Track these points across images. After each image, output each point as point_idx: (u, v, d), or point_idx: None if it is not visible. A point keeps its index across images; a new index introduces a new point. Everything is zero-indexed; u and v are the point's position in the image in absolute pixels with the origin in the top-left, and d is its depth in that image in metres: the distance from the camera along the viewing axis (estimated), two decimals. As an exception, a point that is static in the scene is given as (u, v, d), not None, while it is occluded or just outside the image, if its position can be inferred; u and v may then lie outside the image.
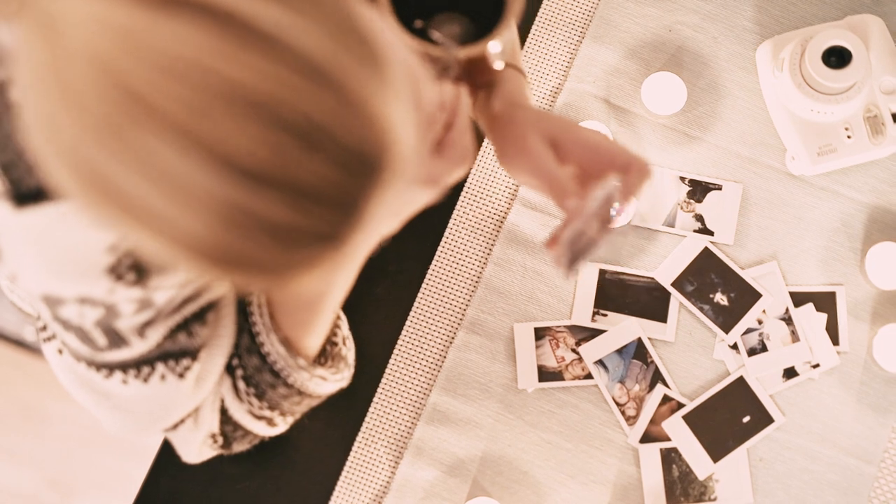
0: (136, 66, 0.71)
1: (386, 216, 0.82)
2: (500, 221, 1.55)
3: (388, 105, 0.76)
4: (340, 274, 1.16)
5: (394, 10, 1.06)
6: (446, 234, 1.54)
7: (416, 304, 1.53)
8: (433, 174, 1.04)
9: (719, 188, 1.55)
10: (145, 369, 1.10)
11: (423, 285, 1.53)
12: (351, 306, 1.37)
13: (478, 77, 1.14)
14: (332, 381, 1.24)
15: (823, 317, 1.51)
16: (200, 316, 1.11)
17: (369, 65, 0.75)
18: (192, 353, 1.12)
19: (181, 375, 1.12)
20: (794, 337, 1.50)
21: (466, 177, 1.56)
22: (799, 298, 1.52)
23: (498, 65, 1.11)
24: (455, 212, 1.55)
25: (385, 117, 0.76)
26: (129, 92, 0.71)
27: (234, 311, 1.17)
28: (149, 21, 0.71)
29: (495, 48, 1.08)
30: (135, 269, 1.01)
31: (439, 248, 1.54)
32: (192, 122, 0.71)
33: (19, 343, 2.41)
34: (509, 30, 1.09)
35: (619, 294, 1.52)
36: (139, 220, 0.75)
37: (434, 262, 1.54)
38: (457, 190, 1.56)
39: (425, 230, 1.55)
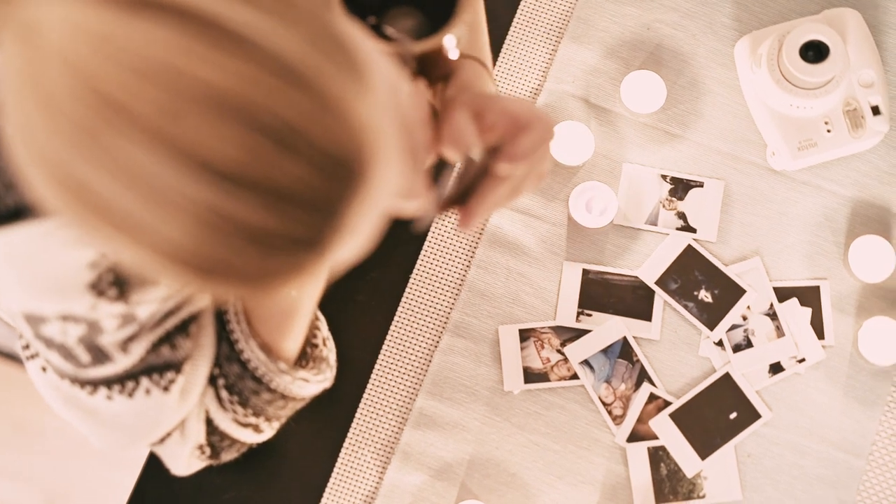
0: (109, 69, 0.71)
1: (368, 221, 0.81)
2: (483, 223, 1.55)
3: (367, 108, 0.76)
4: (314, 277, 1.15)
5: (346, 6, 1.06)
6: (429, 237, 1.54)
7: (399, 308, 1.53)
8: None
9: (701, 185, 1.55)
10: (130, 384, 1.10)
11: (407, 290, 1.53)
12: (334, 312, 1.37)
13: (434, 71, 1.14)
14: (314, 382, 1.24)
15: (808, 311, 1.51)
16: (183, 328, 1.11)
17: (347, 69, 0.75)
18: (177, 366, 1.11)
19: (166, 389, 1.12)
20: (780, 332, 1.50)
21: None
22: (783, 293, 1.52)
23: (453, 53, 1.10)
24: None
25: (364, 121, 0.75)
26: (103, 95, 0.71)
27: (212, 320, 1.17)
28: (122, 24, 0.71)
29: (451, 41, 1.07)
30: (116, 285, 1.01)
31: (422, 252, 1.54)
32: (166, 124, 0.71)
33: (11, 357, 2.41)
34: (465, 22, 1.08)
35: (603, 294, 1.52)
36: (115, 226, 0.74)
37: (417, 266, 1.54)
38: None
39: (407, 234, 1.54)
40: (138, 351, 1.07)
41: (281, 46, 0.72)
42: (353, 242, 0.80)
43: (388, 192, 0.80)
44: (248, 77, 0.71)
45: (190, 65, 0.71)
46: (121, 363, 1.07)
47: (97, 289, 1.00)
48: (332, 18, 0.76)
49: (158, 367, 1.10)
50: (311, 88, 0.73)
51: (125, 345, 1.06)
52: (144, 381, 1.10)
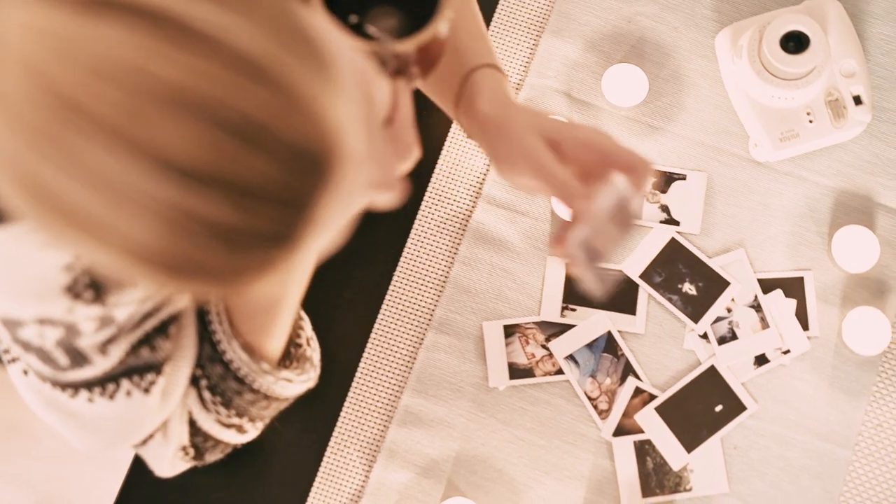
0: (68, 71, 0.70)
1: (340, 216, 0.81)
2: (466, 220, 1.54)
3: (333, 103, 0.75)
4: (294, 274, 1.15)
5: (327, 6, 1.06)
6: (412, 235, 1.54)
7: (383, 306, 1.52)
8: (376, 170, 1.03)
9: (683, 178, 1.54)
10: (110, 386, 1.10)
11: (391, 288, 1.53)
12: (318, 312, 1.36)
13: (423, 66, 1.14)
14: (297, 382, 1.23)
15: (792, 302, 1.51)
16: (162, 330, 1.10)
17: (311, 62, 0.74)
18: (157, 368, 1.11)
19: (146, 390, 1.11)
20: (764, 324, 1.50)
21: (430, 177, 1.56)
22: (767, 285, 1.51)
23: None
24: (420, 212, 1.55)
25: (331, 115, 0.75)
26: (63, 98, 0.71)
27: (194, 321, 1.17)
28: (78, 25, 0.70)
29: (427, 39, 1.08)
30: (92, 287, 1.01)
31: (405, 250, 1.54)
32: (127, 125, 0.70)
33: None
34: (446, 20, 1.08)
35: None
36: (80, 228, 0.74)
37: (400, 263, 1.53)
38: (420, 190, 1.55)
39: (390, 232, 1.54)
40: (117, 353, 1.07)
41: (242, 42, 0.72)
42: (325, 236, 0.80)
43: (358, 185, 0.80)
44: (209, 74, 0.71)
45: (149, 63, 0.70)
46: (100, 365, 1.07)
47: (73, 291, 1.00)
48: (296, 12, 0.76)
49: (138, 368, 1.10)
50: (275, 83, 0.72)
51: (104, 347, 1.06)
52: (125, 383, 1.10)
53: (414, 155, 1.06)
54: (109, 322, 1.04)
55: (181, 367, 1.15)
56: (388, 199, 1.01)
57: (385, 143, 1.03)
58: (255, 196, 0.73)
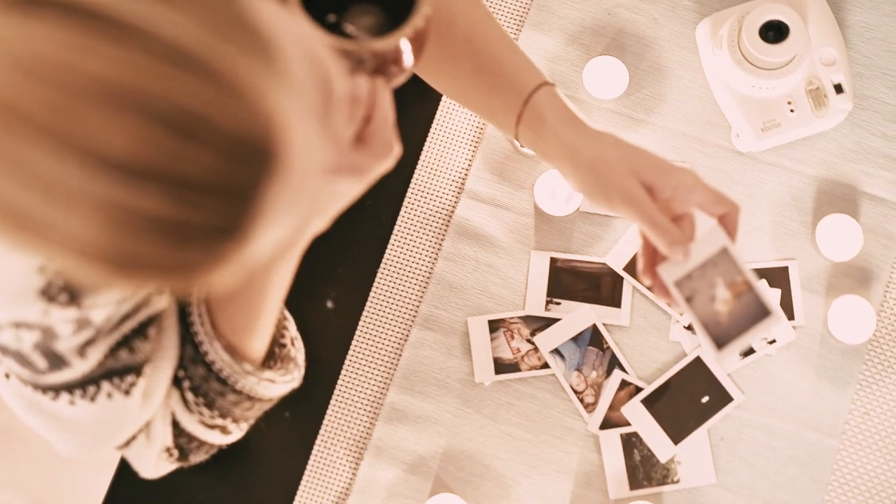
0: None
1: (295, 205, 0.80)
2: (449, 216, 1.54)
3: (276, 91, 0.74)
4: (274, 275, 1.15)
5: (304, 6, 1.05)
6: (395, 231, 1.54)
7: (368, 304, 1.52)
8: (356, 167, 1.03)
9: (666, 169, 1.54)
10: (91, 389, 1.10)
11: (375, 285, 1.53)
12: (303, 311, 1.36)
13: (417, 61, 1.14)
14: (281, 382, 1.23)
15: (777, 292, 1.51)
16: (141, 331, 1.10)
17: (252, 51, 0.73)
18: (136, 369, 1.11)
19: (127, 392, 1.11)
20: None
21: (412, 174, 1.56)
22: (752, 275, 1.51)
23: (407, 59, 1.10)
24: (402, 209, 1.54)
25: (273, 103, 0.73)
26: None
27: (176, 323, 1.17)
28: (5, 24, 0.69)
29: (406, 38, 1.07)
30: (67, 290, 1.00)
31: (389, 247, 1.54)
32: (60, 123, 0.69)
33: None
34: (424, 17, 1.08)
35: (571, 282, 1.51)
36: (26, 229, 0.73)
37: (384, 260, 1.53)
38: (403, 187, 1.55)
39: (374, 229, 1.54)
40: (96, 355, 1.07)
41: (173, 32, 0.71)
42: (280, 226, 0.79)
43: (311, 173, 0.79)
44: (141, 67, 0.70)
45: (79, 60, 0.69)
46: (79, 368, 1.07)
47: (48, 294, 0.99)
48: (236, 1, 0.75)
49: (118, 370, 1.09)
50: (211, 73, 0.71)
51: (82, 350, 1.05)
52: (105, 386, 1.09)
53: (394, 153, 1.05)
54: (86, 324, 1.04)
55: (162, 369, 1.15)
56: (352, 186, 1.01)
57: (346, 131, 1.02)
58: (197, 189, 0.72)
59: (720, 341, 1.22)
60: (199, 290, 1.19)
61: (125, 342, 1.09)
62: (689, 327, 1.50)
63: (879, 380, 1.49)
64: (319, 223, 1.07)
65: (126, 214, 0.71)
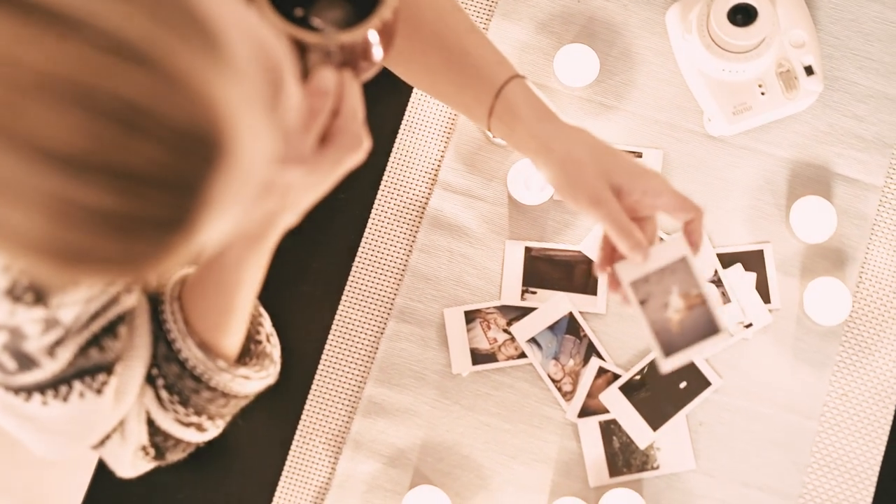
0: None
1: (242, 196, 0.79)
2: (423, 207, 1.54)
3: (221, 82, 0.73)
4: (245, 272, 1.14)
5: (272, 1, 1.05)
6: (369, 224, 1.53)
7: (343, 297, 1.52)
8: (325, 162, 1.02)
9: (639, 156, 1.54)
10: (63, 389, 1.09)
11: (350, 279, 1.52)
12: (278, 306, 1.36)
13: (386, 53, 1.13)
14: (256, 379, 1.23)
15: (753, 276, 1.51)
16: (111, 330, 1.10)
17: (195, 42, 0.73)
18: (108, 368, 1.10)
19: (99, 391, 1.11)
20: (725, 298, 1.50)
21: (385, 166, 1.55)
22: (727, 259, 1.51)
23: (376, 52, 1.09)
24: (376, 201, 1.54)
25: (218, 94, 0.73)
26: None
27: (148, 320, 1.16)
28: None
29: (373, 30, 1.07)
30: (32, 290, 1.00)
31: (363, 240, 1.53)
32: (2, 116, 0.69)
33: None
34: (391, 8, 1.07)
35: (546, 270, 1.51)
36: None
37: (359, 254, 1.53)
38: (376, 180, 1.55)
39: (347, 222, 1.54)
40: (66, 355, 1.06)
41: (117, 24, 0.70)
42: (229, 217, 0.79)
43: (259, 163, 0.78)
44: (82, 59, 0.69)
45: (22, 52, 0.69)
46: (49, 368, 1.06)
47: (13, 294, 0.99)
48: None
49: (89, 370, 1.09)
50: (154, 64, 0.71)
51: (51, 350, 1.05)
52: (77, 385, 1.09)
53: (363, 146, 1.05)
54: (55, 324, 1.03)
55: (133, 367, 1.14)
56: (301, 175, 1.00)
57: (329, 137, 1.02)
58: (142, 181, 0.72)
59: (667, 349, 1.24)
60: (163, 284, 1.19)
61: (95, 341, 1.08)
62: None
63: (857, 361, 1.49)
64: (290, 218, 1.07)
65: (71, 208, 0.71)
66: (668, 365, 1.24)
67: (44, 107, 0.69)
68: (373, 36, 1.08)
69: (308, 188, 1.05)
